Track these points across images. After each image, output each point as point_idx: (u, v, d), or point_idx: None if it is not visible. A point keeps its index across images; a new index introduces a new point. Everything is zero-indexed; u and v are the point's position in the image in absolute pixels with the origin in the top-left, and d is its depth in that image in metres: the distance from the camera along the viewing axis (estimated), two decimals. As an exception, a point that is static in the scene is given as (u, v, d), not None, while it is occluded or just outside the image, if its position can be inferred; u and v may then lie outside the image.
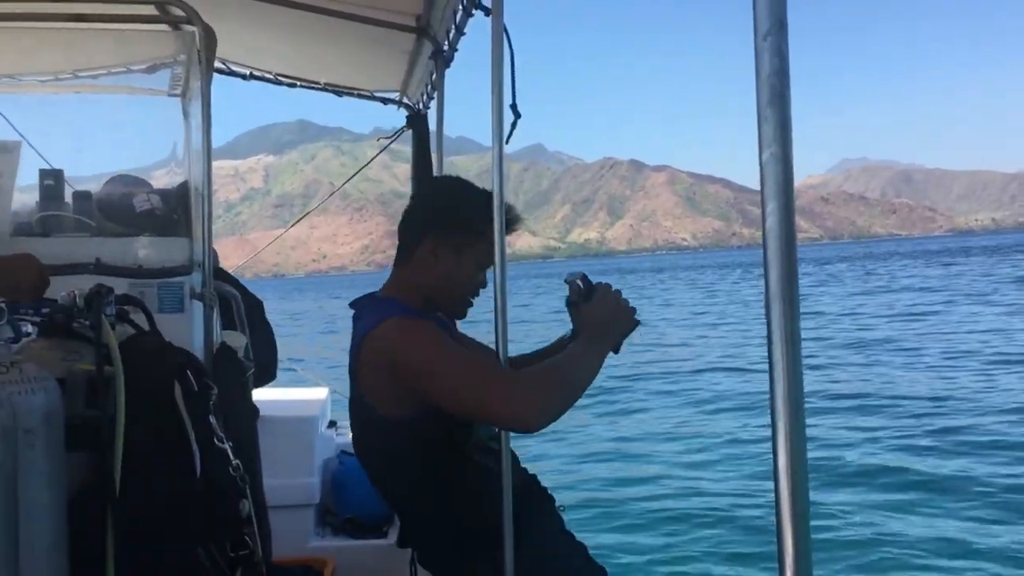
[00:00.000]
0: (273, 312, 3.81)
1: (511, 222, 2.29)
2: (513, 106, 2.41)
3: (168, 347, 1.99)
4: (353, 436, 2.41)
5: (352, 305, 2.39)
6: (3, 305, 1.61)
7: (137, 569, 1.70)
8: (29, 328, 1.84)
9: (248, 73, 4.59)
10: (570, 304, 2.36)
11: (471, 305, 2.44)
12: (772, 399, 1.07)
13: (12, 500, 1.44)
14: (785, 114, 0.96)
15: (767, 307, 1.08)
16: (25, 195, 2.82)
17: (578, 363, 2.15)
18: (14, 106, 3.24)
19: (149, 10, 3.02)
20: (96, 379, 1.79)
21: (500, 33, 2.30)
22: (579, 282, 2.34)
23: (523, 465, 2.45)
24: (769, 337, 1.07)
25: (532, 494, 2.43)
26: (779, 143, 0.96)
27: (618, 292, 2.32)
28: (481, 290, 2.42)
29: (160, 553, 1.76)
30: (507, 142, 2.36)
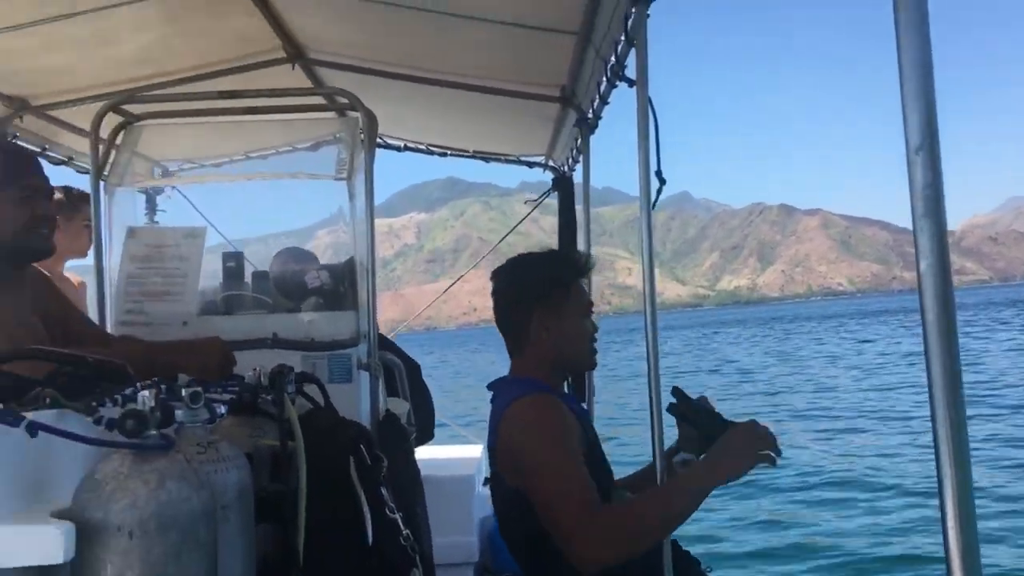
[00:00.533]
0: (427, 365, 3.94)
1: (587, 268, 2.49)
2: (658, 172, 2.46)
3: (342, 422, 2.12)
4: (495, 510, 2.51)
5: (490, 387, 2.52)
6: (199, 389, 1.76)
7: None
8: (222, 410, 1.99)
9: (403, 145, 4.84)
10: (678, 415, 2.37)
11: (596, 352, 2.55)
12: (936, 455, 1.06)
13: (212, 572, 1.57)
14: (940, 226, 0.97)
15: (926, 355, 1.07)
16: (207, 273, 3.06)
17: (684, 501, 2.15)
18: (194, 192, 3.52)
19: (317, 100, 3.26)
20: (280, 454, 1.93)
21: (645, 106, 2.36)
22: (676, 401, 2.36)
23: None
24: (930, 389, 1.06)
25: (677, 558, 2.43)
26: (935, 254, 0.97)
27: (756, 427, 2.25)
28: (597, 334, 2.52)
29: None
30: (653, 207, 2.42)
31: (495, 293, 2.57)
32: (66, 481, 1.59)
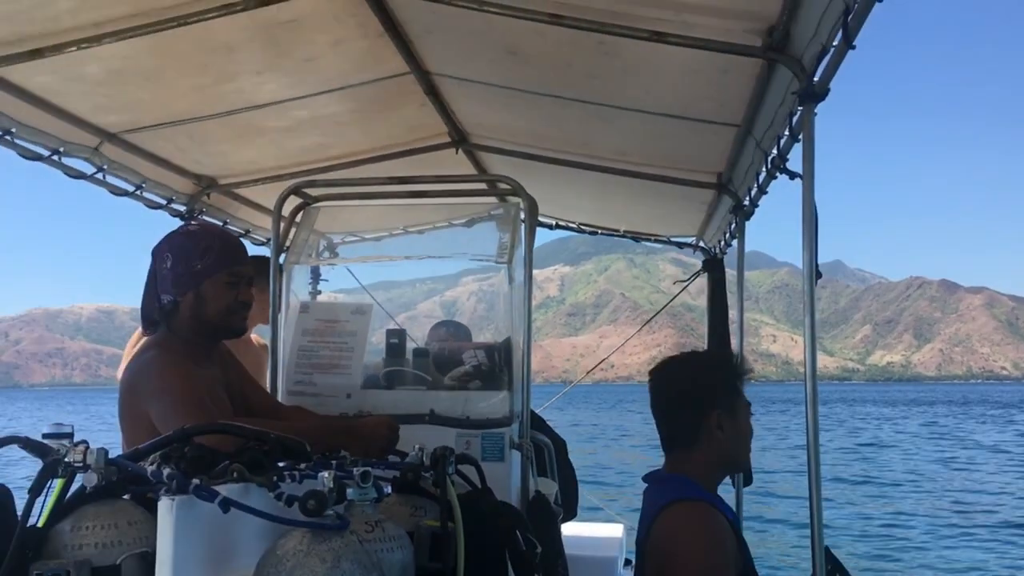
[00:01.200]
0: (563, 421, 3.92)
1: (746, 372, 2.46)
2: (816, 267, 2.45)
3: (501, 508, 2.16)
4: None
5: (645, 479, 2.51)
6: (370, 470, 1.84)
7: None
8: (387, 488, 2.08)
9: (554, 224, 4.95)
10: None
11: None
12: None
13: (376, 651, 1.63)
14: None
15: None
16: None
17: None
18: (357, 270, 3.71)
19: (480, 185, 3.40)
20: (440, 535, 1.99)
21: (811, 200, 2.35)
22: None
23: None
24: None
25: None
26: None
27: None
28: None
29: None
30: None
31: (661, 388, 2.55)
32: (246, 551, 1.70)
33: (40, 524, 1.64)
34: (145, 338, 2.51)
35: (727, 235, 4.28)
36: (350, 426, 2.48)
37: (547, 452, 3.22)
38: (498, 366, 3.06)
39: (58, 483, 1.68)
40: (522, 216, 3.07)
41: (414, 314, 4.12)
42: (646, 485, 2.51)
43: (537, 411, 3.62)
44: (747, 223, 3.80)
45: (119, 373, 3.00)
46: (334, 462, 1.83)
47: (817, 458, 2.26)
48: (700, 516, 2.29)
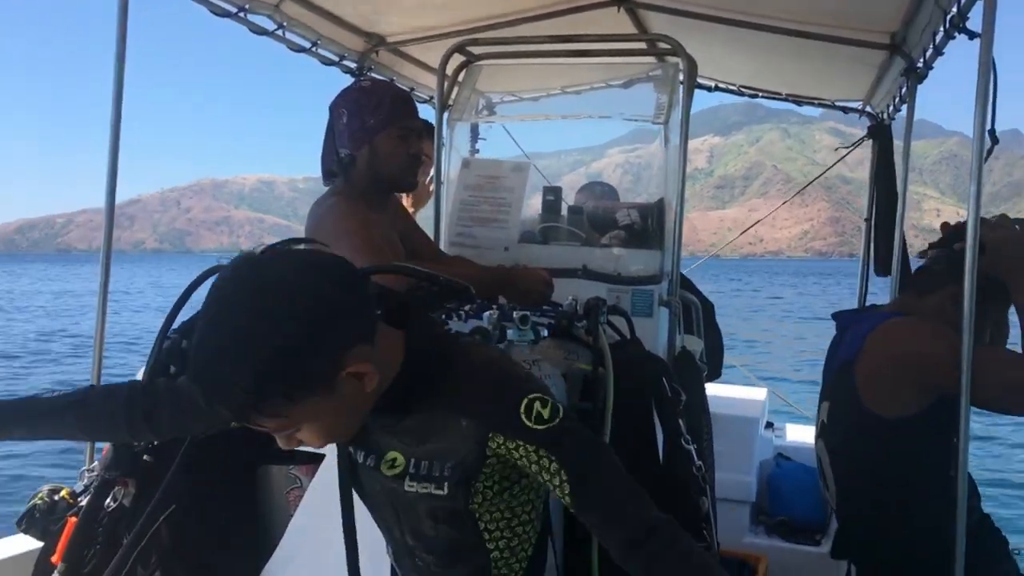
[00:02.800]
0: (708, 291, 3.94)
1: None
2: (991, 131, 2.36)
3: (650, 357, 2.29)
4: (833, 440, 2.53)
5: (836, 316, 2.54)
6: (528, 313, 1.99)
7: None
8: (543, 332, 2.23)
9: (713, 86, 4.85)
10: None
11: None
12: None
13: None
14: None
15: None
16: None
17: None
18: (515, 129, 3.80)
19: (639, 44, 3.39)
20: (591, 378, 2.13)
21: (988, 62, 2.26)
22: None
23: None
24: None
25: (984, 534, 2.38)
26: None
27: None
28: None
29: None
30: (985, 160, 2.34)
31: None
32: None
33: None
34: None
35: (896, 100, 4.11)
36: (508, 276, 2.63)
37: (695, 311, 3.30)
38: (651, 226, 3.13)
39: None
40: (680, 77, 3.06)
41: (559, 185, 4.21)
42: (835, 321, 2.54)
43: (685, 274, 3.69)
44: (918, 87, 3.63)
45: None
46: (496, 306, 1.98)
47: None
48: (926, 325, 2.31)
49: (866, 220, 4.56)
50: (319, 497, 1.69)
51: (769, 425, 5.09)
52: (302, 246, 1.30)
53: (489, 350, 1.43)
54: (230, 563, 1.72)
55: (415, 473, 1.36)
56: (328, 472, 1.71)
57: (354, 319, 1.22)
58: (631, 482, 1.32)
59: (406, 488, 1.37)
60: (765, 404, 4.99)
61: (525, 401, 1.28)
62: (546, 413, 1.27)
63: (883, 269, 4.21)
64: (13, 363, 21.35)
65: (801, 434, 4.97)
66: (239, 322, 1.13)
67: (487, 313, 1.85)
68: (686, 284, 3.52)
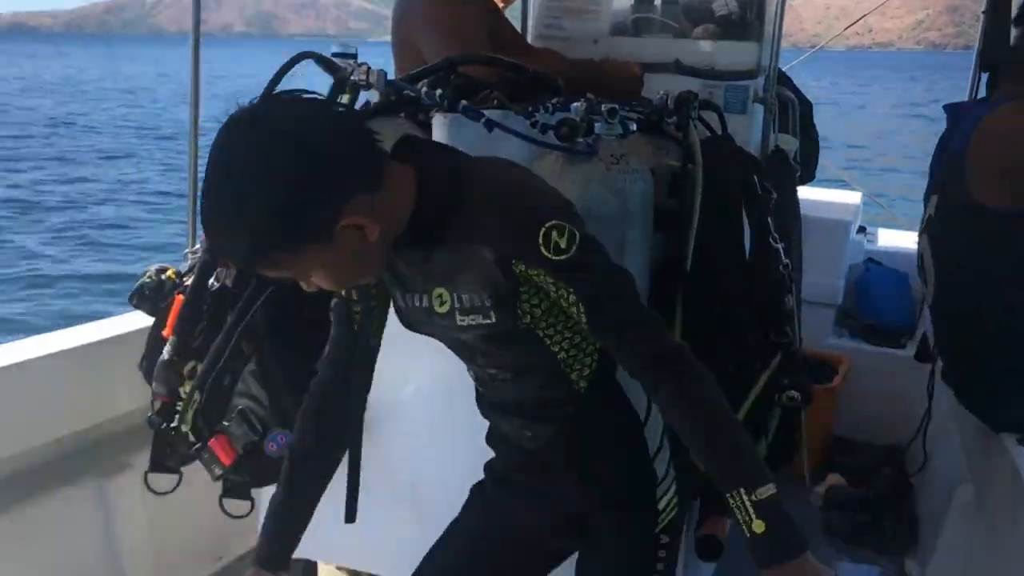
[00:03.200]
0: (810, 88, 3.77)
1: None
2: None
3: (740, 153, 2.24)
4: (938, 234, 2.47)
5: (948, 108, 2.42)
6: (616, 106, 1.95)
7: (698, 335, 2.04)
8: (632, 127, 2.19)
9: None
10: None
11: None
12: None
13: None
14: None
15: None
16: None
17: None
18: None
19: None
20: (679, 174, 2.11)
21: None
22: None
23: None
24: None
25: None
26: None
27: None
28: None
29: (715, 324, 2.09)
30: None
31: None
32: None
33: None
34: None
35: None
36: (598, 69, 2.56)
37: (791, 109, 3.18)
38: (749, 16, 2.98)
39: (346, 98, 1.91)
40: None
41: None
42: (946, 114, 2.43)
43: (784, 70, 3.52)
44: None
45: None
46: (583, 99, 1.94)
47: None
48: None
49: (984, 12, 4.23)
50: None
51: (862, 229, 5.00)
52: (305, 95, 1.26)
53: (509, 170, 1.39)
54: (323, 345, 1.82)
55: (461, 307, 1.37)
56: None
57: (349, 170, 1.20)
58: (646, 312, 1.34)
59: (458, 323, 1.40)
60: (859, 208, 4.88)
61: (543, 230, 1.25)
62: (563, 242, 1.25)
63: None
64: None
65: (893, 239, 4.87)
66: (232, 184, 1.16)
67: (574, 105, 1.82)
68: (783, 80, 3.37)
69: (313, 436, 1.58)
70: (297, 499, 1.57)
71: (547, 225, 1.25)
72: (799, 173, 3.20)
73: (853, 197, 4.96)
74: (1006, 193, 2.18)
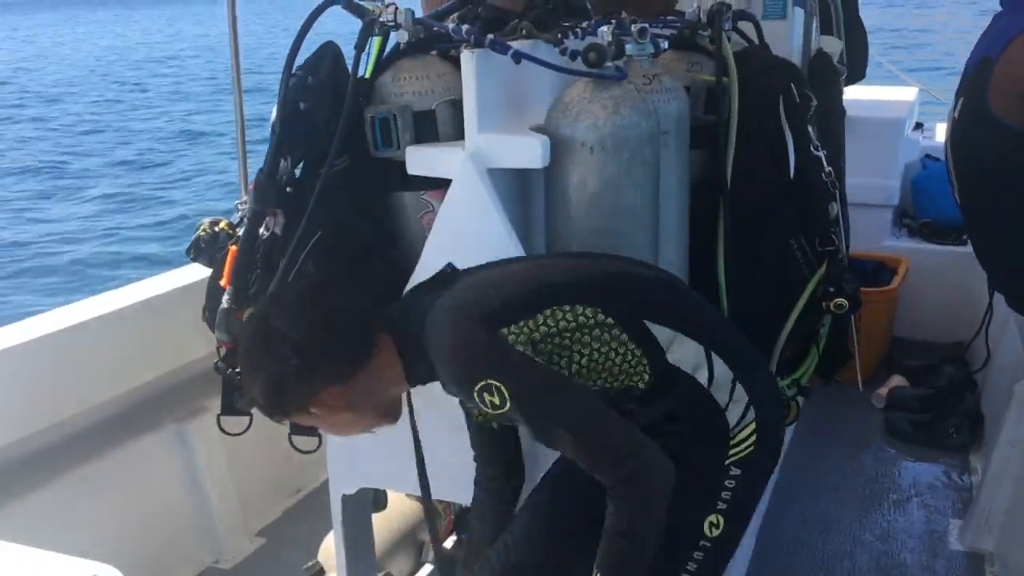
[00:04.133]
0: None
1: None
2: None
3: (776, 62, 2.20)
4: (958, 140, 2.44)
5: (1004, 3, 2.35)
6: (647, 25, 1.93)
7: (741, 249, 2.05)
8: (664, 45, 2.16)
9: None
10: None
11: None
12: None
13: (655, 187, 1.84)
14: None
15: None
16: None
17: None
18: None
19: None
20: (715, 88, 2.09)
21: None
22: None
23: None
24: None
25: None
26: None
27: None
28: None
29: (759, 237, 2.09)
30: None
31: None
32: (537, 103, 1.92)
33: (367, 76, 1.94)
34: None
35: None
36: None
37: (834, 8, 3.09)
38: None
39: (376, 40, 1.94)
40: None
41: None
42: (1000, 9, 2.36)
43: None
44: None
45: None
46: (613, 20, 1.93)
47: None
48: None
49: None
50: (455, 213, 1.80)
51: (919, 126, 4.87)
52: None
53: (447, 323, 1.43)
54: (377, 278, 1.88)
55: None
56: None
57: (320, 373, 1.42)
58: (605, 429, 1.37)
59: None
60: (914, 104, 4.74)
61: (475, 393, 1.35)
62: (496, 400, 1.33)
63: None
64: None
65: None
66: (243, 363, 1.53)
67: (601, 28, 1.81)
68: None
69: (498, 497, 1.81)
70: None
71: (476, 388, 1.34)
72: (844, 75, 3.13)
73: (908, 93, 4.82)
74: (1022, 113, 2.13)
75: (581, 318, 1.42)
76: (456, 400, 1.55)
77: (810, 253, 2.15)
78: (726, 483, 1.50)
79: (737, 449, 1.50)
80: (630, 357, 1.44)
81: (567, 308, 1.42)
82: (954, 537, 2.78)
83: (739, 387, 1.49)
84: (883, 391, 3.58)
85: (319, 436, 2.12)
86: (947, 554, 2.70)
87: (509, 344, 1.38)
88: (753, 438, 1.50)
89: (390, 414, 1.55)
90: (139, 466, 2.62)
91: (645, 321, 1.46)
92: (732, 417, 1.49)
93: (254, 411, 2.17)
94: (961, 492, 3.01)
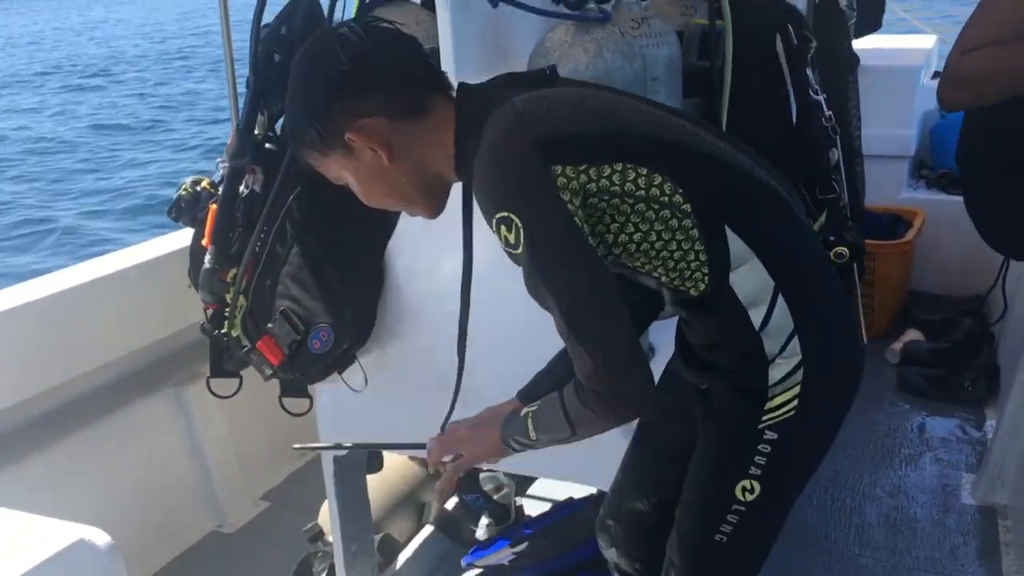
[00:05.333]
0: None
1: None
2: None
3: (775, 2, 2.12)
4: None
5: None
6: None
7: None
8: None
9: None
10: None
11: None
12: None
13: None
14: None
15: None
16: None
17: None
18: None
19: None
20: (709, 32, 2.02)
21: None
22: None
23: None
24: None
25: None
26: None
27: None
28: None
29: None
30: None
31: None
32: (521, 48, 1.85)
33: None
34: None
35: None
36: None
37: (843, -50, 2.98)
38: None
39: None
40: None
41: None
42: None
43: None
44: None
45: None
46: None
47: None
48: None
49: None
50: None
51: (937, 74, 4.72)
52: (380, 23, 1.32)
53: (497, 129, 1.22)
54: (359, 238, 1.83)
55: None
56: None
57: (366, 93, 1.26)
58: (593, 322, 1.19)
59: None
60: (932, 52, 4.59)
61: (495, 222, 1.18)
62: (511, 238, 1.17)
63: None
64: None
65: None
66: (290, 86, 1.33)
67: (583, -31, 1.74)
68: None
69: None
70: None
71: (497, 217, 1.17)
72: (853, 20, 3.03)
73: (926, 41, 4.67)
74: None
75: (655, 190, 1.21)
76: (444, 354, 1.50)
77: (810, 202, 2.08)
78: (760, 447, 1.32)
79: (774, 413, 1.31)
80: (691, 257, 1.24)
81: (644, 172, 1.21)
82: (967, 492, 2.71)
83: (795, 342, 1.27)
84: (897, 346, 3.51)
85: (309, 398, 2.10)
86: (959, 508, 2.64)
87: (555, 185, 1.17)
88: (795, 403, 1.30)
89: (431, 195, 1.36)
90: (139, 431, 2.61)
91: (726, 226, 1.24)
92: (776, 374, 1.29)
93: (243, 374, 2.17)
94: (975, 446, 2.95)
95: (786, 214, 1.33)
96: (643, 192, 1.21)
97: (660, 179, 1.21)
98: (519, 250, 1.17)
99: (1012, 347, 3.11)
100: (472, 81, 1.37)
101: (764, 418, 1.31)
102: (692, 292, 1.28)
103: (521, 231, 1.15)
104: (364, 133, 1.26)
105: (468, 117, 1.28)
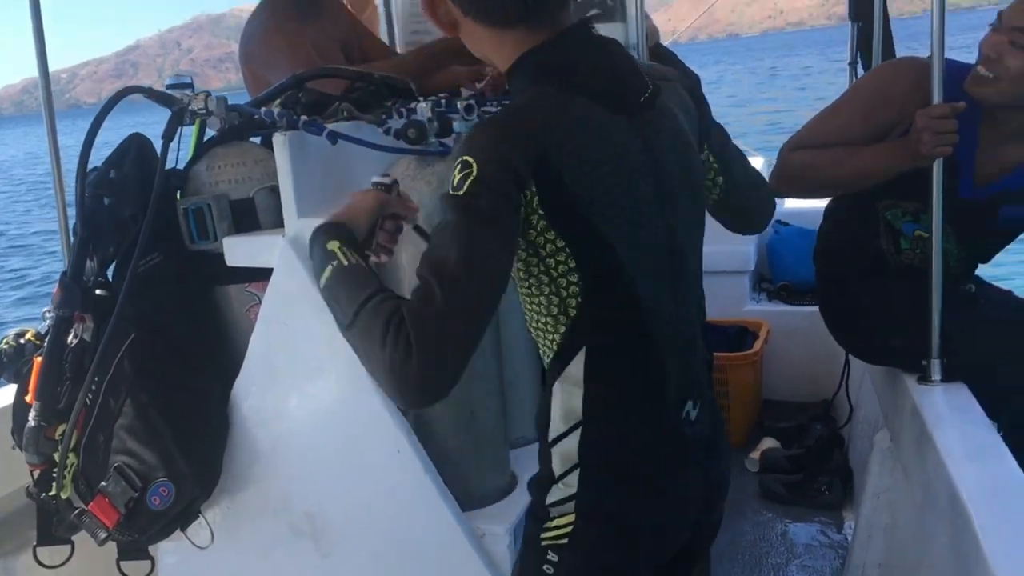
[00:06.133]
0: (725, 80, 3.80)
1: None
2: None
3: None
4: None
5: None
6: (473, 103, 1.90)
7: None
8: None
9: None
10: None
11: None
12: None
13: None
14: None
15: None
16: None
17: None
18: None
19: None
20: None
21: None
22: None
23: None
24: None
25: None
26: None
27: None
28: None
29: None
30: None
31: None
32: (363, 184, 1.85)
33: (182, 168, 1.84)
34: None
35: None
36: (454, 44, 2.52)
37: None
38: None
39: (194, 129, 1.85)
40: None
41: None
42: None
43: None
44: None
45: None
46: (440, 98, 1.89)
47: None
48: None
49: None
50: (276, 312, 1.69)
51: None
52: None
53: (526, 93, 1.24)
54: (199, 385, 1.75)
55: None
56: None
57: None
58: (451, 272, 1.11)
59: None
60: (761, 171, 4.90)
61: (459, 161, 1.16)
62: (456, 179, 1.14)
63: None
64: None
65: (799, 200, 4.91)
66: None
67: (420, 106, 1.78)
68: (668, 57, 3.35)
69: None
70: None
71: (463, 158, 1.15)
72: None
73: (754, 163, 4.98)
74: None
75: (561, 280, 1.23)
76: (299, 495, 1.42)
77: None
78: (544, 568, 1.27)
79: (552, 533, 1.28)
80: (550, 339, 1.28)
81: (572, 266, 1.22)
82: (834, 597, 2.75)
83: (575, 474, 1.26)
84: (756, 455, 3.58)
85: (151, 559, 1.94)
86: (829, 615, 2.67)
87: (524, 188, 1.15)
88: (568, 530, 1.26)
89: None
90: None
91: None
92: (555, 495, 1.28)
93: (75, 539, 1.99)
94: (838, 549, 3.00)
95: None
96: (553, 274, 1.22)
97: (577, 277, 1.22)
98: (459, 192, 1.13)
99: (861, 448, 3.23)
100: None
101: (542, 536, 1.29)
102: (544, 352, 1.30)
103: (468, 180, 1.13)
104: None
105: (521, 70, 1.27)
